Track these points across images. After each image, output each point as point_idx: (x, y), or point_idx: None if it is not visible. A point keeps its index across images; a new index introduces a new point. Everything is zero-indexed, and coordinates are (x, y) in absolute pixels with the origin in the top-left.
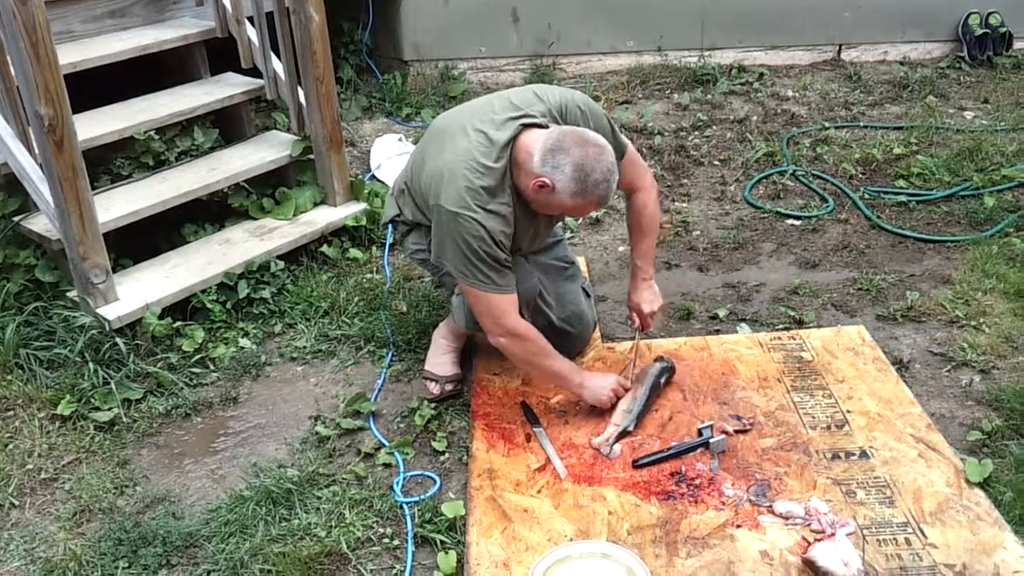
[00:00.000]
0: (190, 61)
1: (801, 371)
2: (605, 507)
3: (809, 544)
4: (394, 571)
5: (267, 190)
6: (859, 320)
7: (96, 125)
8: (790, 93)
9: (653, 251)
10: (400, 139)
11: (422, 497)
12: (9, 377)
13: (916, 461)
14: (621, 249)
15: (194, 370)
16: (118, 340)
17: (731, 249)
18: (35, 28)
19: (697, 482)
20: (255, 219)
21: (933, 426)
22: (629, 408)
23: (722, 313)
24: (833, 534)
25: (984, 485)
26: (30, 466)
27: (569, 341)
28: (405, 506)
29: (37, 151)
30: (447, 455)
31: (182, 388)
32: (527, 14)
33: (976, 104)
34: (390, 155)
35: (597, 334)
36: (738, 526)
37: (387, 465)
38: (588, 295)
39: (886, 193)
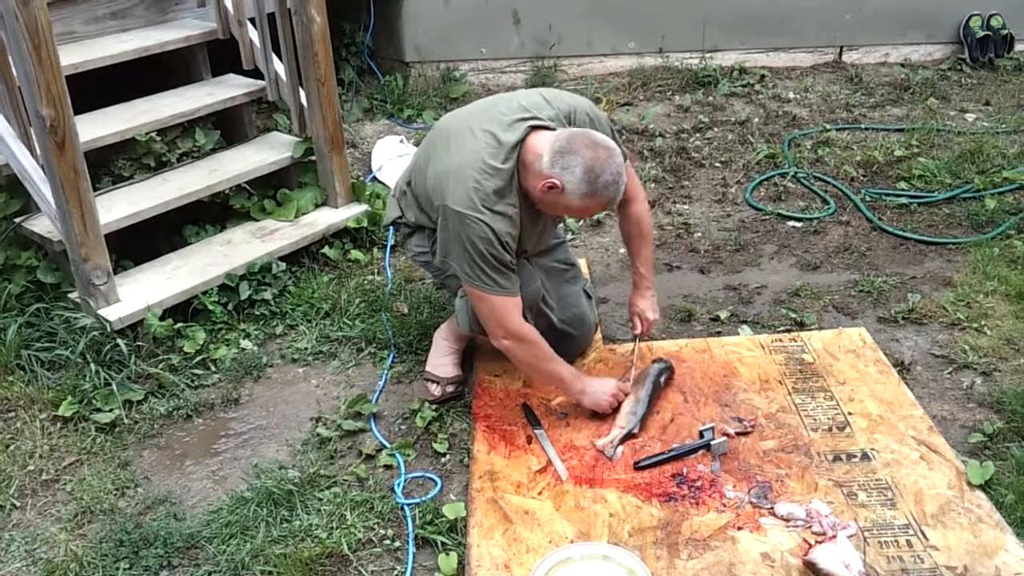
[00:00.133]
0: (192, 62)
1: (802, 373)
2: (606, 509)
3: (810, 546)
4: (395, 573)
5: (268, 191)
6: (860, 322)
7: (98, 126)
8: (791, 95)
9: (652, 258)
10: (401, 141)
11: (423, 499)
12: (11, 378)
13: (917, 463)
14: (622, 251)
15: (195, 371)
16: (119, 341)
17: (732, 251)
18: (37, 29)
19: (698, 484)
20: (256, 220)
21: (934, 428)
22: (633, 410)
23: (723, 315)
24: (834, 536)
25: (985, 487)
26: (31, 467)
27: (570, 343)
28: (406, 507)
29: (39, 152)
30: (448, 457)
31: (183, 389)
32: (528, 15)
33: (977, 106)
34: (391, 156)
35: (598, 336)
36: (739, 528)
37: (388, 467)
38: (589, 297)
39: (887, 195)
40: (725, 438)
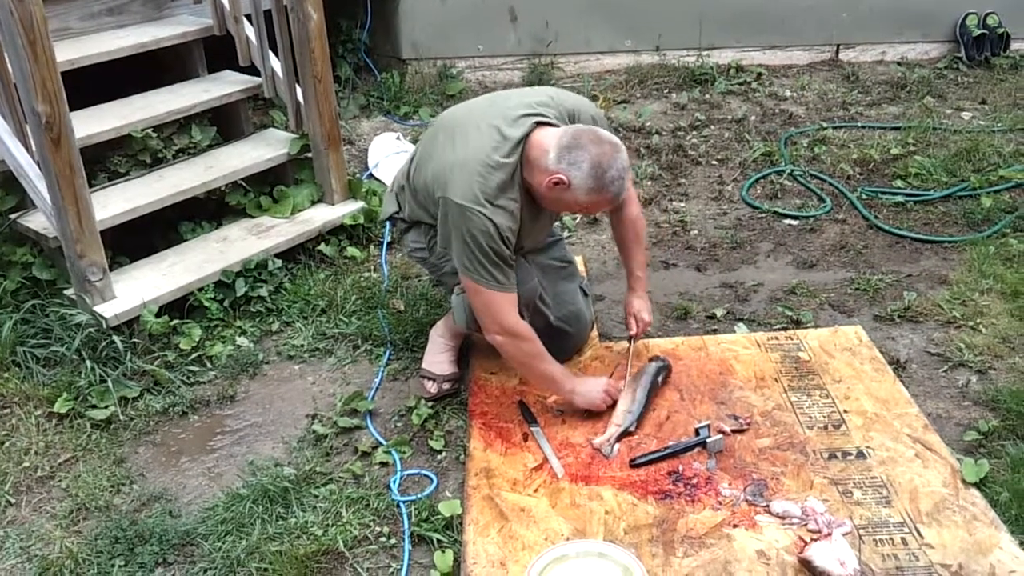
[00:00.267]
0: (188, 59)
1: (798, 371)
2: (602, 506)
3: (806, 544)
4: (391, 570)
5: (265, 188)
6: (856, 320)
7: (94, 123)
8: (788, 93)
9: (646, 260)
10: (398, 137)
11: (419, 496)
12: (6, 375)
13: (913, 461)
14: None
15: (191, 368)
16: (115, 338)
17: (729, 249)
18: (33, 25)
19: (694, 482)
20: (253, 217)
21: (930, 426)
22: (629, 408)
23: (719, 313)
24: (829, 534)
25: (980, 485)
26: (26, 464)
27: (567, 340)
28: (402, 505)
29: (34, 148)
30: (444, 454)
31: (179, 386)
32: (525, 13)
33: (973, 105)
34: (388, 153)
35: (594, 333)
36: (735, 526)
37: (384, 464)
38: (586, 294)
39: (884, 193)
40: (721, 436)
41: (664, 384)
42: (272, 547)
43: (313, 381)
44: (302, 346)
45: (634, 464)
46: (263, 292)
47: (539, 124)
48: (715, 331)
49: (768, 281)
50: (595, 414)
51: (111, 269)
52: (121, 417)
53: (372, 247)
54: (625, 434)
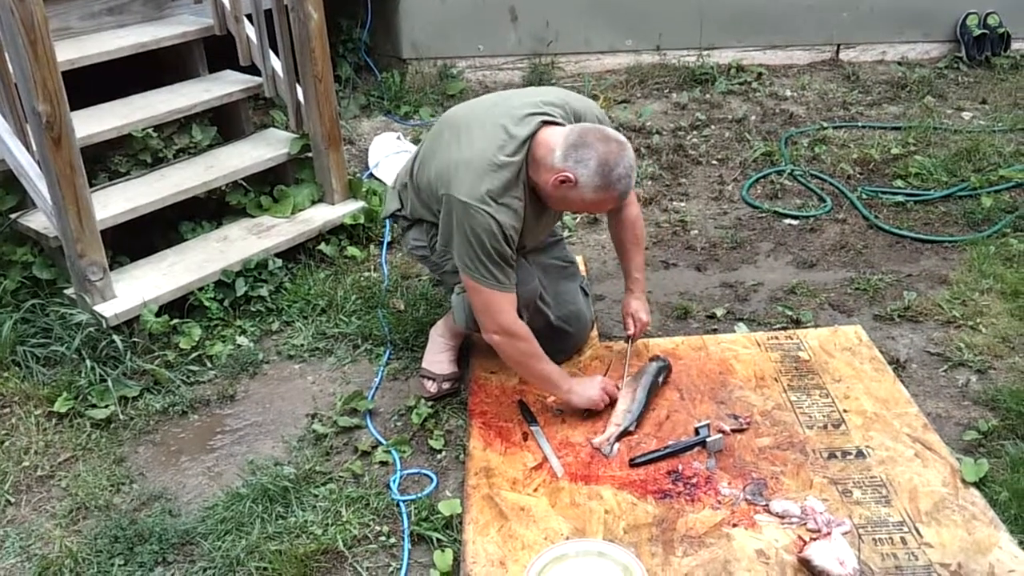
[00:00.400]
0: (188, 59)
1: (798, 370)
2: (602, 505)
3: (805, 543)
4: (390, 569)
5: (265, 188)
6: (856, 320)
7: (94, 122)
8: (788, 93)
9: (644, 262)
10: (398, 137)
11: (419, 495)
12: (6, 374)
13: (912, 460)
14: None
15: (191, 368)
16: (115, 337)
17: (729, 248)
18: (33, 25)
19: (694, 481)
20: (253, 217)
21: (929, 426)
22: (629, 408)
23: (719, 312)
24: (829, 533)
25: (980, 485)
26: (26, 463)
27: (567, 340)
28: (402, 504)
29: (35, 148)
30: (444, 453)
31: (179, 386)
32: (525, 12)
33: (974, 104)
34: (388, 153)
35: (595, 333)
36: (734, 525)
37: (384, 463)
38: (586, 294)
39: (884, 193)
40: (720, 435)
41: (665, 383)
42: (272, 546)
43: (313, 381)
44: (302, 346)
45: (634, 463)
46: (263, 292)
47: (545, 123)
48: (715, 331)
49: (768, 281)
50: (595, 413)
51: (111, 268)
52: (121, 416)
53: (372, 247)
54: (625, 433)
